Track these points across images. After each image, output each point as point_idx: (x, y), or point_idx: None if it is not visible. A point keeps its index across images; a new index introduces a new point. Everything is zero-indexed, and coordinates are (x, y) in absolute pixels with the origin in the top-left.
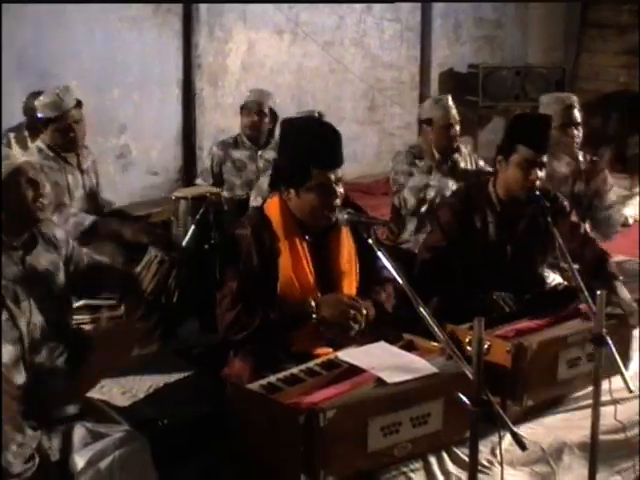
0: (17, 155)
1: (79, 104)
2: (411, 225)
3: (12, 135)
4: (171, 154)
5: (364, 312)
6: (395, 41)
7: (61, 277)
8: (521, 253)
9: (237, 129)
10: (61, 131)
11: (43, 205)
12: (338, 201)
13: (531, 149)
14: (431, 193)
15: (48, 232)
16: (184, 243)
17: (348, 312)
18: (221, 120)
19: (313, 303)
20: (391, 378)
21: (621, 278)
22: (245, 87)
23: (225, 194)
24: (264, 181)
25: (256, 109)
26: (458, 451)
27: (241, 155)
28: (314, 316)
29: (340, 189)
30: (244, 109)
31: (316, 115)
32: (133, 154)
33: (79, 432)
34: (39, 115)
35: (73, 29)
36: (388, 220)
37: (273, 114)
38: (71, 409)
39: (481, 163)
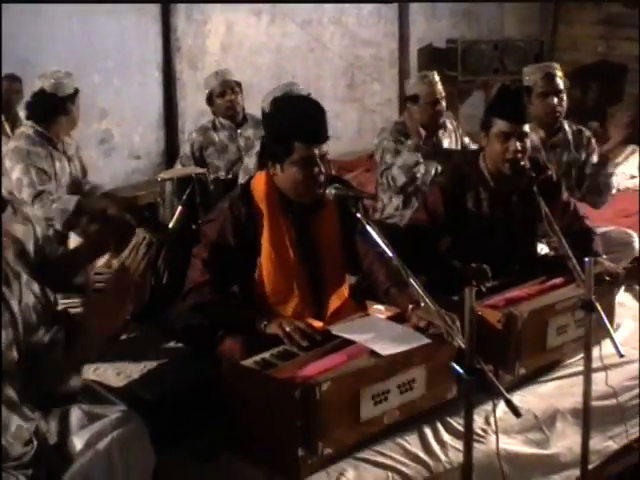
0: None
1: (76, 91)
2: (397, 200)
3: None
4: (153, 138)
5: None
6: (373, 18)
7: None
8: (514, 226)
9: None
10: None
11: None
12: (322, 177)
13: (506, 120)
14: (421, 170)
15: (20, 208)
16: (171, 224)
17: (291, 336)
18: (202, 102)
19: (265, 322)
20: (384, 350)
21: (604, 257)
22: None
23: (211, 178)
24: (249, 162)
25: (230, 88)
26: (452, 421)
27: (221, 137)
28: (263, 328)
29: (324, 165)
30: (217, 92)
31: (295, 87)
32: (115, 139)
33: (76, 414)
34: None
35: (51, 15)
36: (375, 195)
37: (239, 86)
38: (75, 381)
39: (466, 140)
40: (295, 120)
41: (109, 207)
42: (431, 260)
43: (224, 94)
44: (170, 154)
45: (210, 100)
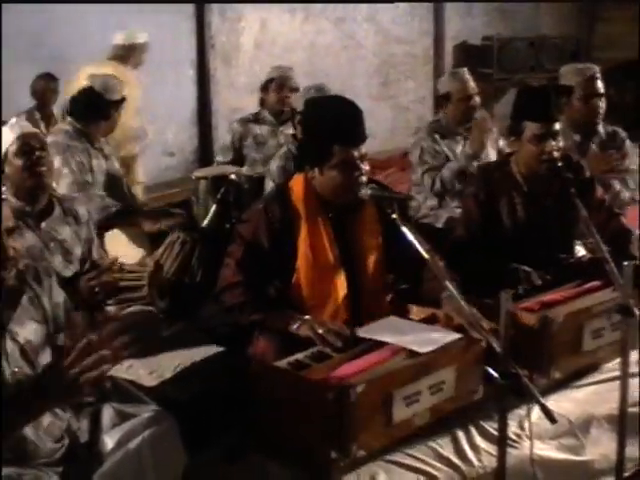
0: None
1: (123, 99)
2: (432, 201)
3: (23, 116)
4: (186, 135)
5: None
6: (407, 15)
7: (79, 249)
8: (550, 229)
9: (251, 108)
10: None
11: (41, 172)
12: (363, 178)
13: (538, 122)
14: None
15: (70, 206)
16: (205, 223)
17: (324, 338)
18: (235, 99)
19: (297, 323)
20: (422, 348)
21: None
22: (258, 66)
23: (245, 170)
24: (273, 164)
25: (285, 84)
26: (486, 425)
27: (262, 130)
28: (295, 330)
29: (365, 166)
30: (271, 85)
31: (323, 87)
32: (149, 136)
33: (107, 413)
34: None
35: (86, 13)
36: (411, 195)
37: (297, 90)
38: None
39: (501, 142)
40: (333, 123)
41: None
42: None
43: (282, 89)
44: (203, 151)
45: (265, 89)
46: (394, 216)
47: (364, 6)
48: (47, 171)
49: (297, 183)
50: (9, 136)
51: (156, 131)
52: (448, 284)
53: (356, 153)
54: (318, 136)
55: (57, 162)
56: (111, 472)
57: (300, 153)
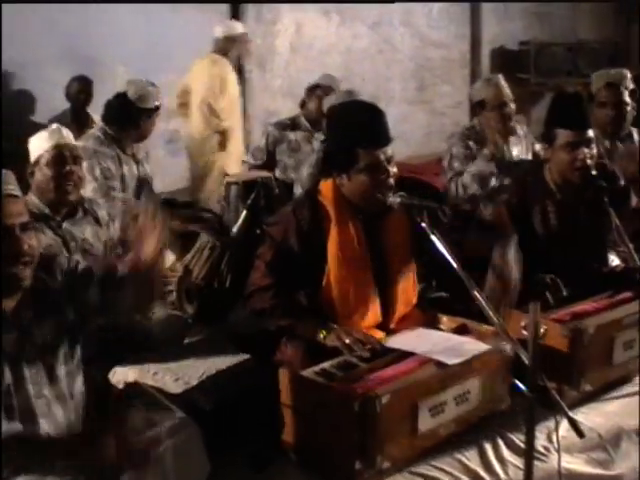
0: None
1: (157, 108)
2: (465, 207)
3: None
4: None
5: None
6: (444, 19)
7: (99, 251)
8: (583, 238)
9: (286, 111)
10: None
11: (68, 186)
12: (391, 180)
13: (570, 130)
14: (493, 181)
15: (91, 208)
16: (235, 228)
17: (350, 347)
18: (270, 102)
19: (324, 333)
20: (450, 360)
21: None
22: (294, 69)
23: (278, 174)
24: (304, 171)
25: (328, 94)
26: (514, 437)
27: (297, 136)
28: (322, 339)
29: (393, 168)
30: (315, 90)
31: (352, 92)
32: (182, 139)
33: (132, 420)
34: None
35: (119, 14)
36: (441, 204)
37: None
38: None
39: (537, 147)
40: (355, 126)
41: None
42: None
43: (321, 96)
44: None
45: (310, 93)
46: (423, 224)
47: (400, 10)
48: (75, 185)
49: (326, 189)
50: (46, 142)
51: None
52: (476, 293)
53: (382, 156)
54: (342, 141)
55: (83, 167)
56: (133, 479)
57: (326, 160)
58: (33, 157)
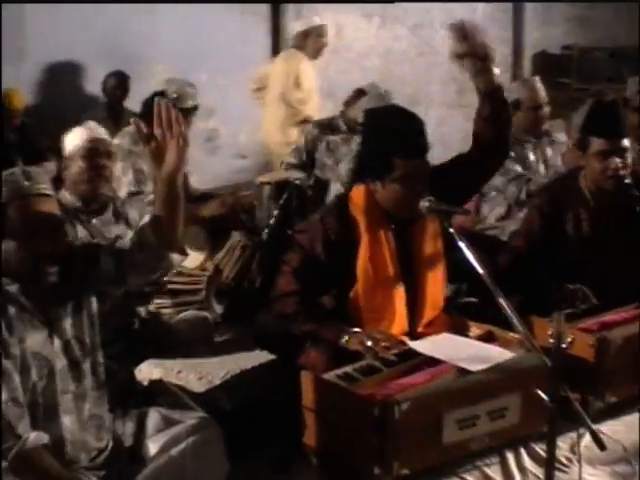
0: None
1: (195, 108)
2: (498, 211)
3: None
4: (260, 137)
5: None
6: (486, 23)
7: None
8: (616, 246)
9: (325, 112)
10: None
11: (99, 180)
12: (426, 192)
13: (604, 138)
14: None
15: (122, 208)
16: (267, 228)
17: (373, 350)
18: None
19: (346, 337)
20: (473, 367)
21: None
22: (333, 70)
23: (316, 173)
24: (342, 167)
25: None
26: (536, 447)
27: (336, 137)
28: (344, 343)
29: (428, 177)
30: (359, 97)
31: (383, 93)
32: (221, 138)
33: (153, 418)
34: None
35: (158, 12)
36: (469, 210)
37: None
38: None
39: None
40: (394, 135)
41: (205, 209)
42: (529, 282)
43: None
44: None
45: (353, 99)
46: (451, 230)
47: (442, 12)
48: (106, 180)
49: (358, 194)
50: (80, 137)
51: (229, 133)
52: (502, 301)
53: (418, 166)
54: (378, 148)
55: (117, 169)
56: (152, 477)
57: (360, 165)
58: (67, 152)
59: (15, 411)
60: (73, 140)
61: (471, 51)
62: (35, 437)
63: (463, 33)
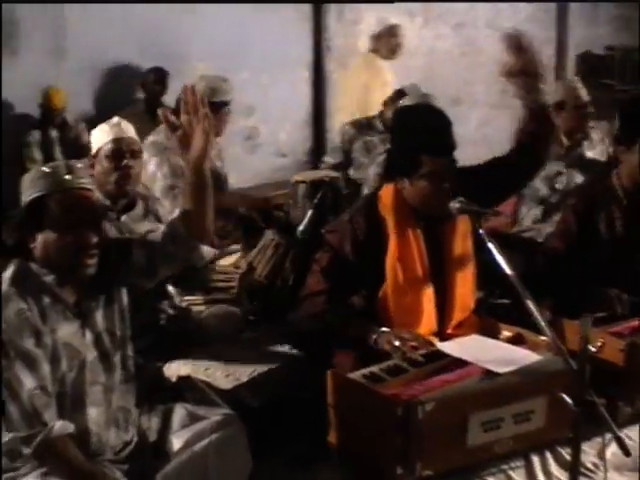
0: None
1: (225, 103)
2: (535, 213)
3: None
4: (300, 136)
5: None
6: (530, 22)
7: None
8: None
9: (367, 111)
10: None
11: (125, 180)
12: (453, 188)
13: None
14: (563, 181)
15: (152, 205)
16: (301, 227)
17: (400, 350)
18: (351, 102)
19: (374, 336)
20: (499, 369)
21: None
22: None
23: (352, 173)
24: (371, 171)
25: None
26: (562, 451)
27: (373, 137)
28: (373, 342)
29: (455, 176)
30: (398, 97)
31: (423, 94)
32: (261, 136)
33: (179, 413)
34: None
35: (201, 11)
36: (500, 211)
37: None
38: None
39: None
40: (421, 132)
41: (238, 205)
42: (565, 284)
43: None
44: (317, 153)
45: (387, 102)
46: (481, 231)
47: (485, 11)
48: (132, 179)
49: (386, 193)
50: (106, 135)
51: (269, 131)
52: (530, 304)
53: (445, 162)
54: (406, 145)
55: (152, 165)
56: (175, 472)
57: (389, 162)
58: (94, 149)
59: (43, 399)
60: (98, 138)
61: (524, 69)
62: (61, 426)
63: (518, 46)
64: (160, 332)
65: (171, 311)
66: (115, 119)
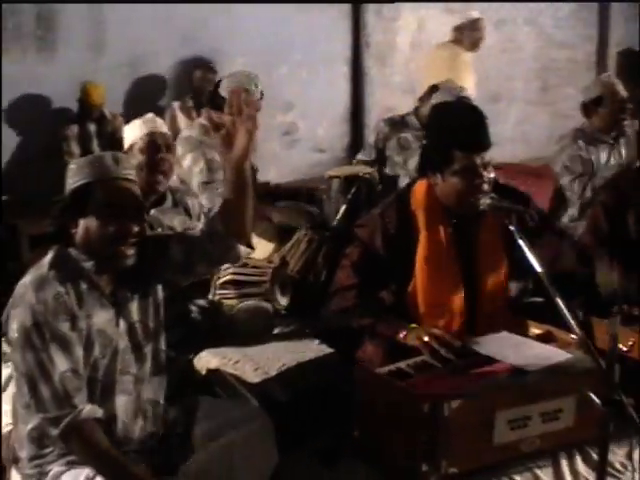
0: (181, 123)
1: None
2: (572, 210)
3: (177, 104)
4: (338, 132)
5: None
6: (571, 19)
7: None
8: None
9: (405, 108)
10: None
11: (158, 174)
12: (486, 186)
13: None
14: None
15: (182, 198)
16: (335, 222)
17: (430, 346)
18: (389, 99)
19: (404, 332)
20: (528, 366)
21: None
22: (414, 66)
23: (387, 171)
24: (411, 162)
25: None
26: (591, 451)
27: (408, 134)
28: (402, 338)
29: (489, 174)
30: (433, 93)
31: (456, 89)
32: (299, 132)
33: (205, 406)
34: (222, 93)
35: (241, 7)
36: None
37: None
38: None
39: None
40: (454, 128)
41: (273, 215)
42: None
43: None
44: (355, 149)
45: (422, 98)
46: (512, 228)
47: (525, 9)
48: (164, 174)
49: (419, 189)
50: (139, 130)
51: (307, 127)
52: (559, 301)
53: (478, 160)
54: (439, 141)
55: (188, 160)
56: (200, 464)
57: (422, 158)
58: (127, 144)
59: (74, 382)
60: (131, 134)
61: None
62: (90, 409)
63: None
64: (192, 325)
65: (203, 302)
66: (149, 115)
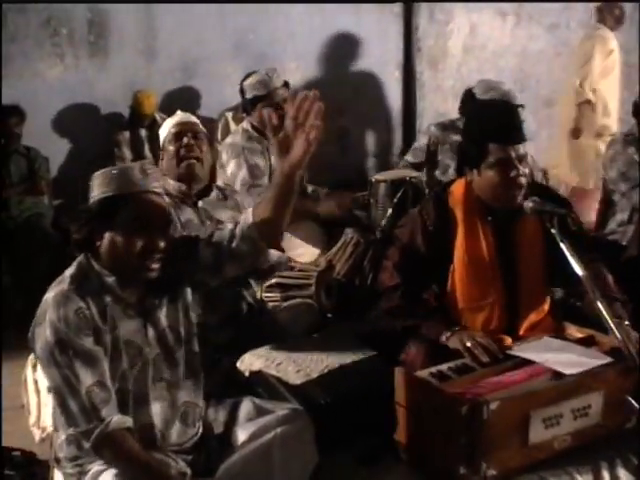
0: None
1: (286, 84)
2: (620, 216)
3: (230, 114)
4: (390, 136)
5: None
6: (626, 23)
7: None
8: None
9: (456, 113)
10: (269, 109)
11: (190, 159)
12: (522, 179)
13: None
14: None
15: (230, 194)
16: (381, 226)
17: (471, 351)
18: (441, 103)
19: (447, 334)
20: (567, 370)
21: None
22: (466, 70)
23: (438, 175)
24: (452, 164)
25: None
26: (633, 457)
27: (457, 138)
28: (445, 340)
29: (524, 168)
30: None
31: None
32: (351, 136)
33: (246, 406)
34: (247, 95)
35: (292, 12)
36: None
37: None
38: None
39: None
40: (488, 121)
41: (319, 207)
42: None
43: None
44: (406, 154)
45: (465, 102)
46: (553, 231)
47: (579, 12)
48: (197, 159)
49: (458, 187)
50: (168, 125)
51: (359, 131)
52: (599, 304)
53: (513, 153)
54: (474, 135)
55: (232, 166)
56: (240, 464)
57: (459, 155)
58: (162, 143)
59: (101, 395)
60: (164, 130)
61: None
62: (118, 420)
63: None
64: (239, 327)
65: (251, 299)
66: (179, 112)
